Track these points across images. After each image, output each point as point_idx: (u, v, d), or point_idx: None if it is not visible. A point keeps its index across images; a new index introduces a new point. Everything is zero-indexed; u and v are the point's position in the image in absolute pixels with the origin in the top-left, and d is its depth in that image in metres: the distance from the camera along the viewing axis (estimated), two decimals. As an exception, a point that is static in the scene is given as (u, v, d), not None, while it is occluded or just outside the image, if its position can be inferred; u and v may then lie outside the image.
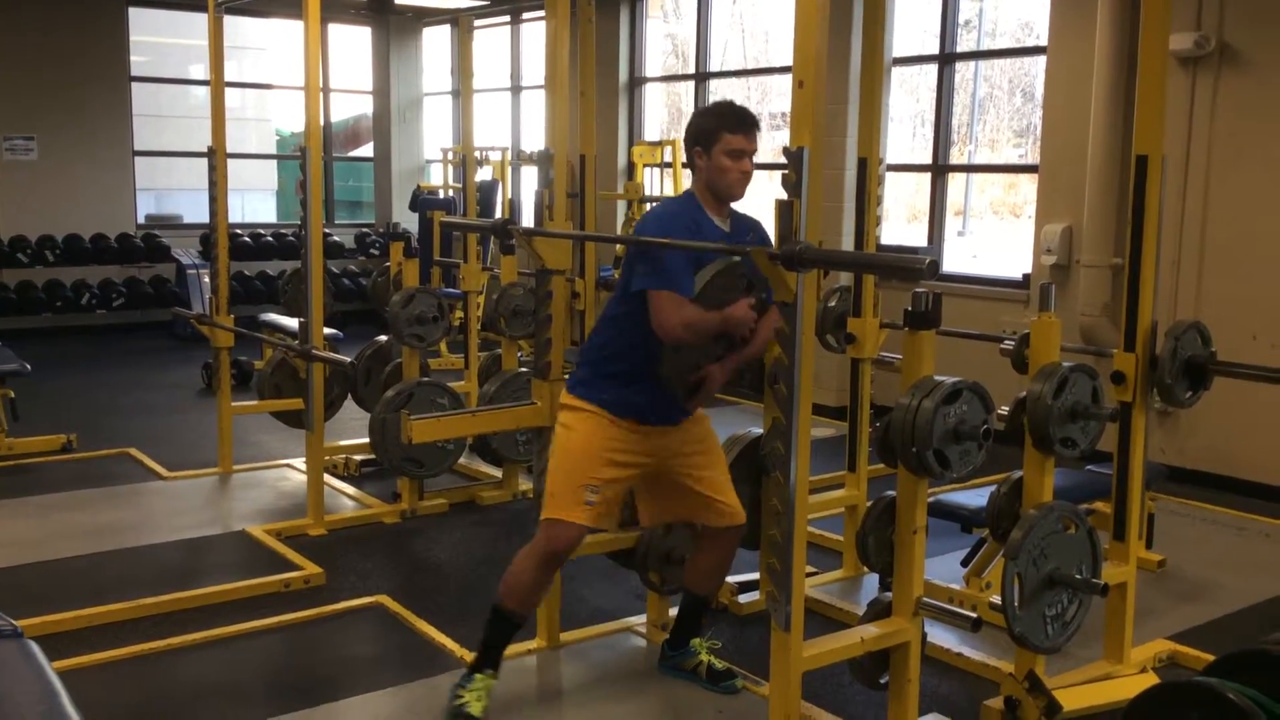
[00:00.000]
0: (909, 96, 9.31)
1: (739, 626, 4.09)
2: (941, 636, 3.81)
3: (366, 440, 5.44)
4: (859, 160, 4.30)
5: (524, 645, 3.78)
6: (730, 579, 4.17)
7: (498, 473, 5.75)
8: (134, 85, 11.16)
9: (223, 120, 5.79)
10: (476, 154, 8.92)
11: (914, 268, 2.62)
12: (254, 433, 6.68)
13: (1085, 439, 3.41)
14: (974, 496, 4.09)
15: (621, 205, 9.41)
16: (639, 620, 4.05)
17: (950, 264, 7.58)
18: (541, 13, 5.59)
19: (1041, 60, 6.90)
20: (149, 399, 7.97)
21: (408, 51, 12.58)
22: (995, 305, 6.94)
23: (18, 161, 10.42)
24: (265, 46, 16.69)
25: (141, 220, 11.39)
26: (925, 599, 3.14)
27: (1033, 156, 7.84)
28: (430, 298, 5.50)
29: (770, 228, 2.89)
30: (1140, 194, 3.55)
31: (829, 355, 4.87)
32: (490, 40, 11.78)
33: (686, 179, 9.21)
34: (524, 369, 5.42)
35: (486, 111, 11.68)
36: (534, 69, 11.23)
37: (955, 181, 8.96)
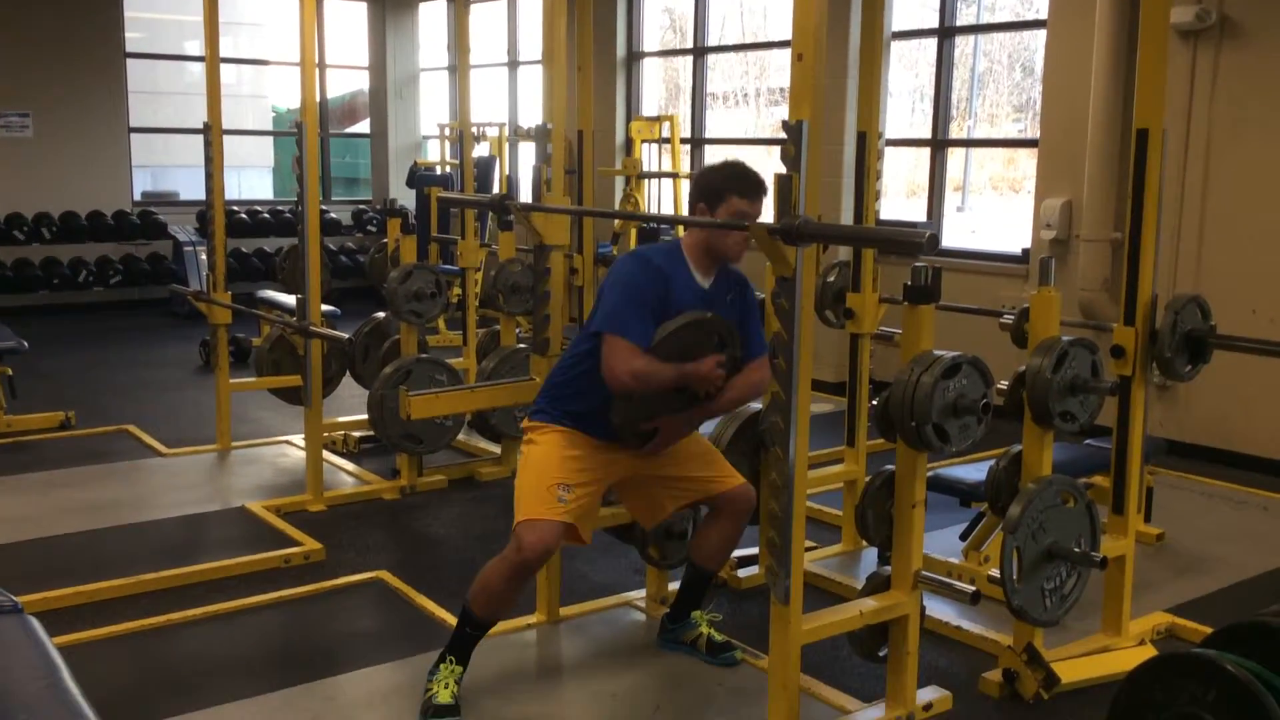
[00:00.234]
0: (908, 71, 9.26)
1: (738, 600, 4.10)
2: (940, 609, 3.82)
3: (365, 417, 5.44)
4: (858, 135, 4.28)
5: (523, 620, 3.79)
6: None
7: (496, 449, 5.75)
8: (129, 61, 11.10)
9: (218, 96, 5.76)
10: (474, 130, 8.89)
11: (914, 241, 2.61)
12: (252, 409, 6.68)
13: (1084, 413, 3.41)
14: (973, 471, 4.09)
15: (619, 181, 9.38)
16: (638, 595, 4.06)
17: (949, 239, 7.56)
18: (539, -14, 5.55)
19: (1041, 34, 6.87)
20: (147, 376, 7.96)
21: (404, 27, 12.51)
22: (995, 280, 6.93)
23: (13, 139, 10.37)
24: (261, 22, 16.63)
25: (138, 197, 11.36)
26: (924, 572, 3.15)
27: (1032, 131, 7.81)
28: (428, 274, 5.49)
29: (768, 214, 2.86)
30: (1140, 168, 3.54)
31: (828, 330, 4.87)
32: (487, 15, 11.72)
33: (685, 155, 9.26)
34: (522, 345, 5.41)
35: (483, 87, 11.64)
36: (531, 44, 11.18)
37: (954, 157, 8.93)
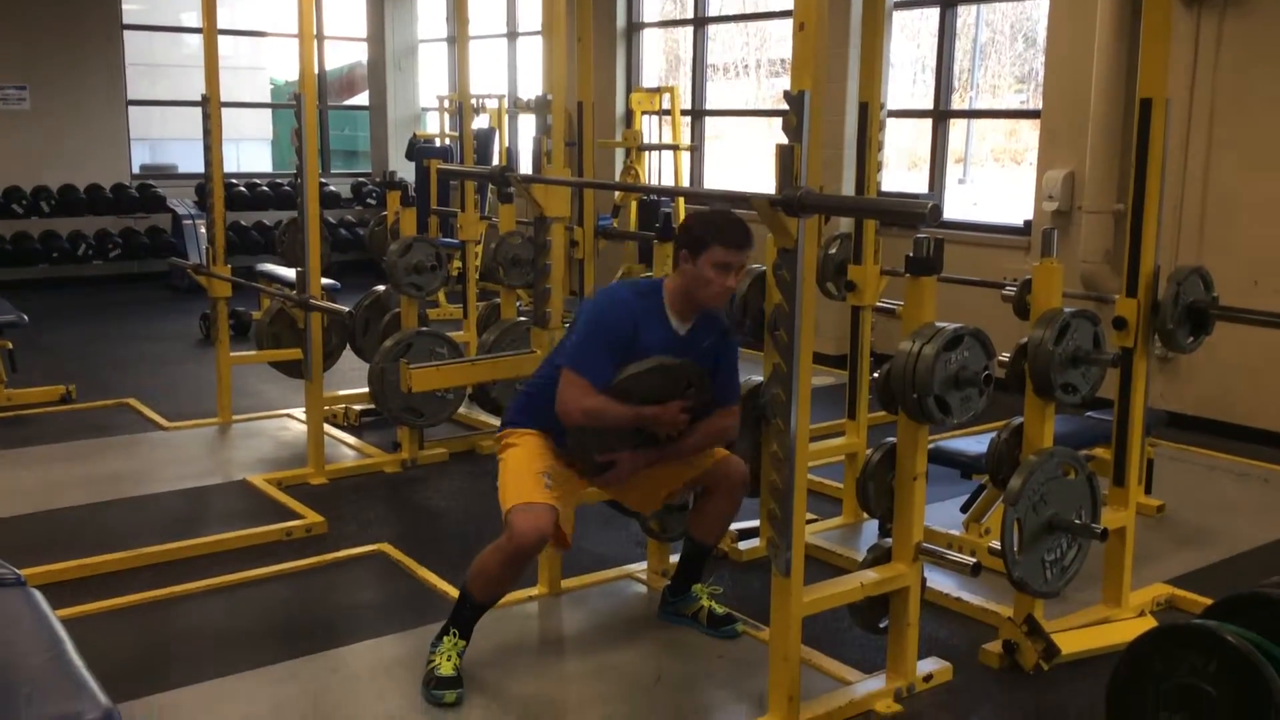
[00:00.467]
0: (909, 42, 9.21)
1: (739, 573, 4.11)
2: (941, 581, 3.83)
3: (366, 390, 5.43)
4: (860, 106, 4.26)
5: (525, 592, 3.80)
6: (731, 526, 4.18)
7: (497, 422, 5.73)
8: (127, 33, 11.03)
9: (216, 68, 5.72)
10: (473, 102, 8.84)
11: (916, 212, 2.60)
12: (253, 383, 6.67)
13: (1086, 385, 3.40)
14: (974, 443, 4.09)
15: (619, 153, 9.34)
16: (640, 567, 4.07)
17: (951, 211, 7.53)
18: (538, -44, 5.51)
19: (1044, 4, 6.82)
20: (147, 350, 7.96)
21: (403, -2, 12.44)
22: (996, 252, 6.91)
23: (10, 111, 10.32)
24: (259, -7, 16.51)
25: (136, 170, 11.32)
26: (925, 544, 3.16)
27: (1034, 102, 7.77)
28: (428, 247, 5.47)
29: (769, 186, 2.83)
30: (1144, 138, 3.52)
31: (829, 303, 4.85)
32: (486, -14, 11.64)
33: (686, 126, 9.22)
34: (523, 318, 5.40)
35: (483, 58, 11.56)
36: (530, 14, 11.11)
37: (956, 129, 8.89)
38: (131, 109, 11.10)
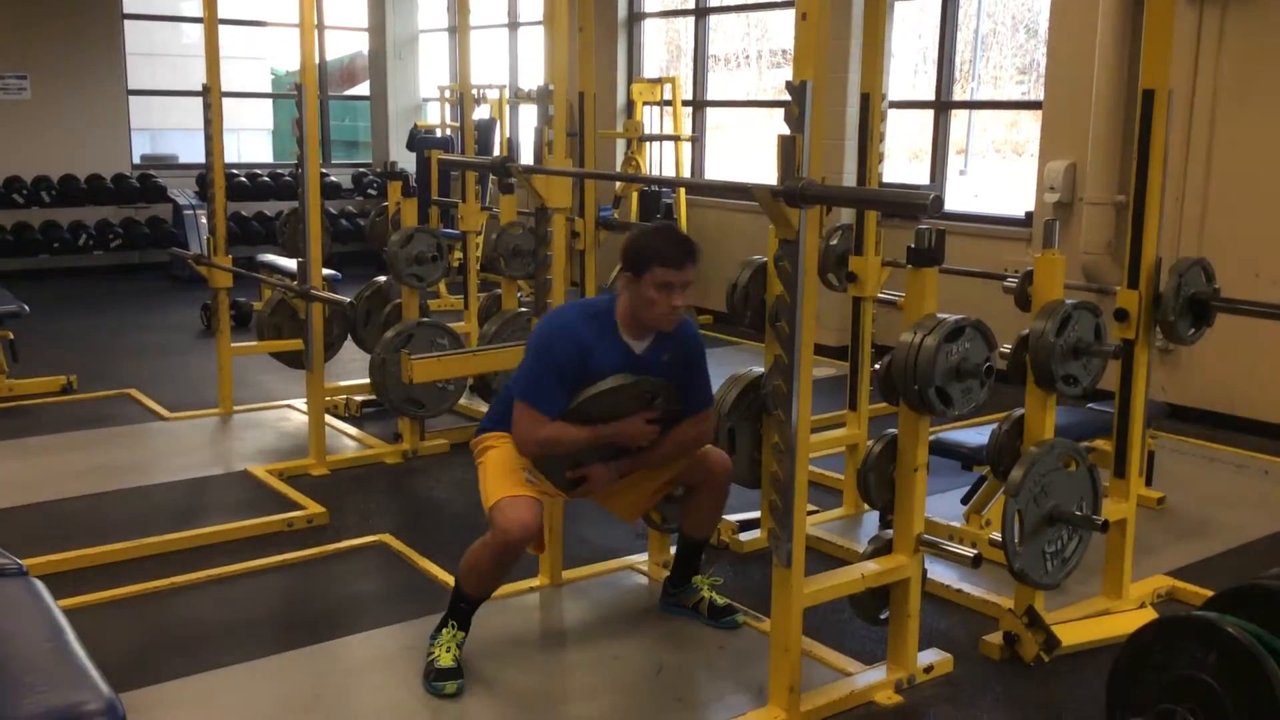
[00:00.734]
0: (911, 33, 9.18)
1: (740, 564, 4.12)
2: (941, 573, 3.83)
3: (367, 381, 5.44)
4: (862, 96, 4.25)
5: (526, 583, 3.81)
6: (731, 517, 4.19)
7: (498, 413, 5.75)
8: (127, 23, 11.02)
9: (217, 58, 5.71)
10: (474, 92, 8.83)
11: (918, 203, 2.60)
12: (254, 373, 6.67)
13: (1087, 376, 3.40)
14: (975, 434, 4.10)
15: (621, 144, 9.34)
16: (640, 559, 4.07)
17: (952, 203, 7.51)
18: (539, -54, 5.49)
19: (1047, -6, 6.80)
20: (148, 340, 7.96)
21: (403, -13, 12.41)
22: (998, 244, 6.90)
23: (11, 101, 10.32)
24: (259, -17, 16.47)
25: (137, 160, 11.31)
26: (926, 536, 3.16)
27: (1036, 93, 7.75)
28: (429, 237, 5.47)
29: (770, 177, 2.82)
30: (1146, 129, 3.52)
31: (830, 294, 4.84)
32: (487, -24, 11.61)
33: (687, 117, 9.21)
34: (524, 309, 5.40)
35: (484, 49, 11.54)
36: (532, 5, 11.08)
37: (957, 121, 8.87)
38: (132, 98, 11.09)
